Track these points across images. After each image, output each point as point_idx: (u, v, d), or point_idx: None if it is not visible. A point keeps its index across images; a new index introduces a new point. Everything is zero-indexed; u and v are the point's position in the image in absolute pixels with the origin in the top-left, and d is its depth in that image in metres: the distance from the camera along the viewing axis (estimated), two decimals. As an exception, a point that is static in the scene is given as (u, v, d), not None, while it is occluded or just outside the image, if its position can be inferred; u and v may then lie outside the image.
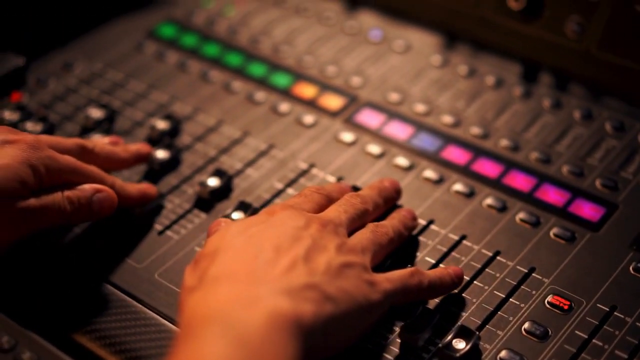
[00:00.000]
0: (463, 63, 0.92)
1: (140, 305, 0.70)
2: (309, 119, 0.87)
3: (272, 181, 0.80)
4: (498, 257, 0.72)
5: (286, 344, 0.54)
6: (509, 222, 0.75)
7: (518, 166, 0.80)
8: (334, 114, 0.88)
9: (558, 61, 0.89)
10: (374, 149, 0.83)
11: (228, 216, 0.75)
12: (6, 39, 0.96)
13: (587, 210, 0.75)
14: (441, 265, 0.71)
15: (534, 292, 0.69)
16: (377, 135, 0.84)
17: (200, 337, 0.53)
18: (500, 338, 0.65)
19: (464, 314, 0.67)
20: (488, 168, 0.80)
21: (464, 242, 0.73)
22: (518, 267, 0.71)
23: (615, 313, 0.66)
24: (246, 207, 0.76)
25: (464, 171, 0.80)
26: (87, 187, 0.71)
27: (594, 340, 0.65)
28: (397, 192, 0.75)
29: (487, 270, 0.71)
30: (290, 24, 1.00)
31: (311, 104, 0.89)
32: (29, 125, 0.85)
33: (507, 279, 0.70)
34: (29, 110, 0.88)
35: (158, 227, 0.76)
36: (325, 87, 0.91)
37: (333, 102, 0.89)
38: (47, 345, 0.67)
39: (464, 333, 0.64)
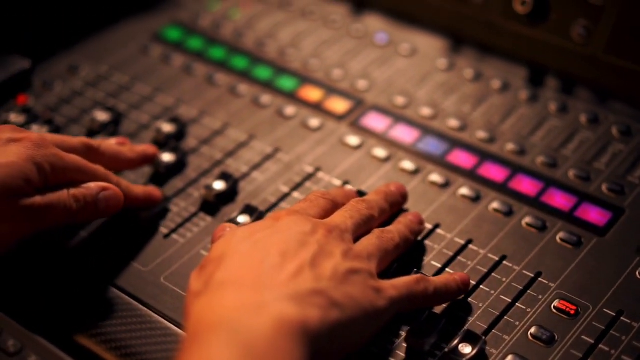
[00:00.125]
0: (469, 67, 0.92)
1: (146, 309, 0.70)
2: (314, 122, 0.87)
3: (277, 185, 0.80)
4: (504, 262, 0.72)
5: (292, 349, 0.54)
6: (515, 226, 0.75)
7: (524, 170, 0.80)
8: (339, 118, 0.87)
9: (564, 65, 0.89)
10: (380, 152, 0.83)
11: (234, 220, 0.75)
12: (12, 42, 0.97)
13: (594, 214, 0.75)
14: (447, 269, 0.71)
15: (540, 296, 0.69)
16: (382, 139, 0.84)
17: (207, 343, 0.53)
18: (507, 343, 0.65)
19: (470, 319, 0.67)
20: (494, 172, 0.80)
21: (470, 246, 0.73)
22: (524, 271, 0.71)
23: (621, 318, 0.66)
24: (252, 211, 0.75)
25: (470, 175, 0.80)
26: (93, 185, 0.70)
27: (600, 346, 0.65)
28: (403, 197, 0.75)
29: (493, 274, 0.71)
30: (296, 27, 1.00)
31: (317, 108, 0.89)
32: (35, 128, 0.85)
33: (513, 284, 0.70)
34: (35, 113, 0.88)
35: (164, 230, 0.76)
36: (331, 90, 0.91)
37: (339, 105, 0.89)
38: (52, 348, 0.67)
39: (471, 338, 0.64)
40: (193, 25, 1.01)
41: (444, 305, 0.68)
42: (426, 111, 0.87)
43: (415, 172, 0.81)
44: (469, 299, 0.69)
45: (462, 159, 0.82)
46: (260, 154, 0.84)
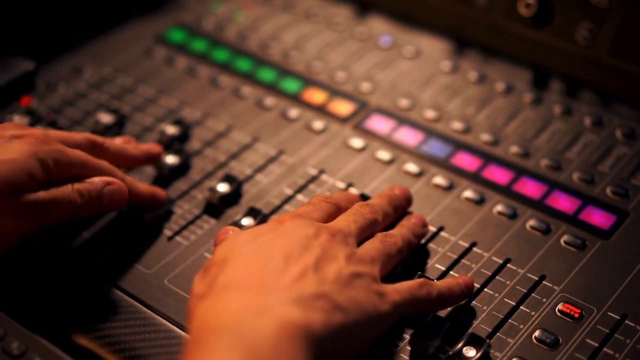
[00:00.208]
0: (473, 69, 0.92)
1: (150, 311, 0.70)
2: (318, 124, 0.87)
3: (281, 187, 0.80)
4: (508, 265, 0.72)
5: (296, 353, 0.54)
6: (520, 229, 0.75)
7: (528, 173, 0.80)
8: (343, 120, 0.87)
9: (568, 68, 0.89)
10: (384, 155, 0.83)
11: (237, 222, 0.75)
12: (16, 44, 0.97)
13: (598, 217, 0.75)
14: (451, 272, 0.71)
15: (544, 300, 0.68)
16: (386, 142, 0.84)
17: (210, 347, 0.53)
18: (511, 346, 0.65)
19: (475, 322, 0.67)
20: (498, 175, 0.80)
21: (474, 249, 0.73)
22: (528, 274, 0.71)
23: (626, 321, 0.66)
24: (256, 213, 0.75)
25: (474, 178, 0.80)
26: (97, 179, 0.71)
27: (604, 349, 0.64)
28: (407, 201, 0.75)
29: (497, 277, 0.71)
30: (299, 29, 1.00)
31: (321, 110, 0.89)
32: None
33: (517, 287, 0.70)
34: (39, 115, 0.88)
35: (167, 232, 0.76)
36: (335, 92, 0.91)
37: (343, 107, 0.89)
38: (56, 350, 0.67)
39: (475, 341, 0.64)
40: (197, 27, 1.01)
41: (448, 308, 0.68)
42: (430, 114, 0.87)
43: (419, 175, 0.81)
44: (473, 302, 0.69)
45: (466, 161, 0.82)
46: (264, 156, 0.84)
